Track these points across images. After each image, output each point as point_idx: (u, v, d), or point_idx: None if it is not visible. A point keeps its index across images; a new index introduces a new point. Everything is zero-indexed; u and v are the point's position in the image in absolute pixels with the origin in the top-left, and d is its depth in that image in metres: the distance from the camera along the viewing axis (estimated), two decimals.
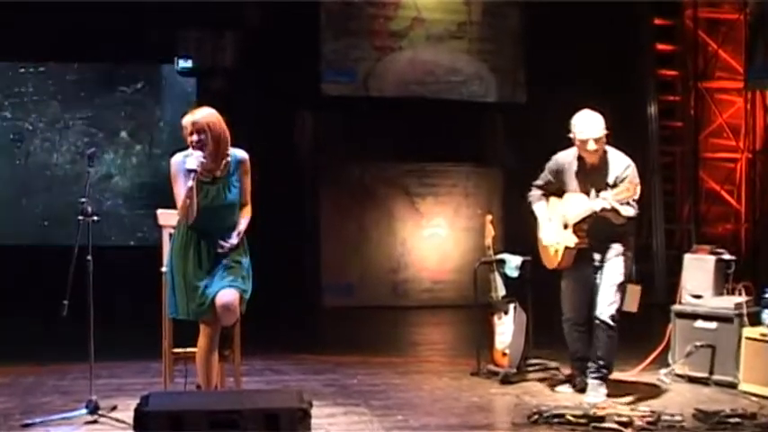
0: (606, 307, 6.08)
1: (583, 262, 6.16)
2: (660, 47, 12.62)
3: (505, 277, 7.04)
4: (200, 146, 5.08)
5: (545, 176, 6.36)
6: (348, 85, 12.28)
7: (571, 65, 11.63)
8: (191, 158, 5.04)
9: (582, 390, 6.22)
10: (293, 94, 11.80)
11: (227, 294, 5.06)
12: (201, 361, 5.17)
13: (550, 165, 6.34)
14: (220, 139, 5.15)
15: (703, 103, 12.55)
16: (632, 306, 6.56)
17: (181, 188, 5.07)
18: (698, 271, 6.92)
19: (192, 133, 5.12)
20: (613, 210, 5.89)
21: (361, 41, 12.29)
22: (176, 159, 5.16)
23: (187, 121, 5.16)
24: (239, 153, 5.24)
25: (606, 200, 5.89)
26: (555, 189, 6.31)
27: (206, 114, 5.18)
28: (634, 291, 6.56)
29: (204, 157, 5.07)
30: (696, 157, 12.52)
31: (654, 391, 6.43)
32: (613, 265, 6.12)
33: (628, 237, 6.18)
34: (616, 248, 6.13)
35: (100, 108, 12.57)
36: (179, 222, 5.23)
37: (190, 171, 5.01)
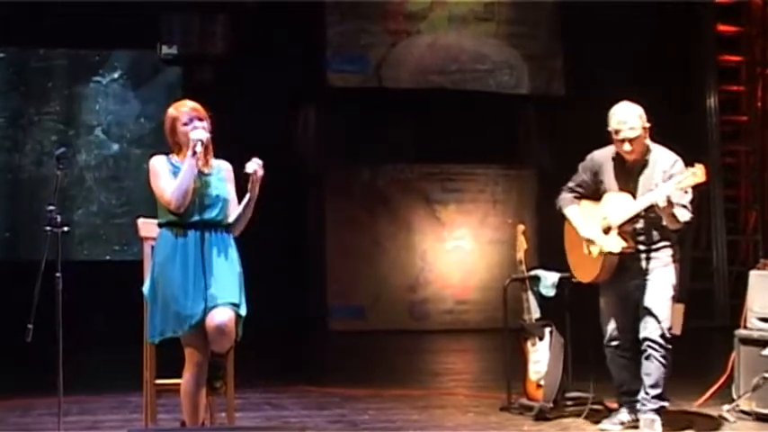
0: (657, 325, 6.06)
1: (624, 274, 6.15)
2: (722, 28, 12.61)
3: (540, 297, 7.03)
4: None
5: (579, 177, 6.37)
6: (358, 74, 12.31)
7: (616, 51, 11.65)
8: (198, 130, 5.13)
9: (633, 426, 6.21)
10: (293, 85, 11.84)
11: (220, 314, 5.07)
12: (187, 393, 5.18)
13: (586, 164, 6.35)
14: (210, 138, 5.26)
15: None
16: (675, 328, 6.54)
17: (167, 180, 5.12)
18: (767, 291, 6.89)
19: (191, 120, 5.18)
20: (671, 205, 5.83)
21: (372, 24, 12.33)
22: (158, 158, 5.24)
23: (185, 109, 5.22)
24: (223, 163, 5.39)
25: (668, 190, 5.82)
26: (590, 192, 6.31)
27: (200, 107, 5.29)
28: (677, 310, 6.54)
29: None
30: (763, 158, 12.50)
31: (715, 429, 6.41)
32: (661, 276, 6.10)
33: (674, 244, 6.17)
34: (663, 257, 6.12)
35: (70, 101, 12.62)
36: (160, 230, 5.26)
37: (197, 141, 5.09)
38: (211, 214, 5.23)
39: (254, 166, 5.21)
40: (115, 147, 12.78)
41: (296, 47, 11.81)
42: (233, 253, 5.27)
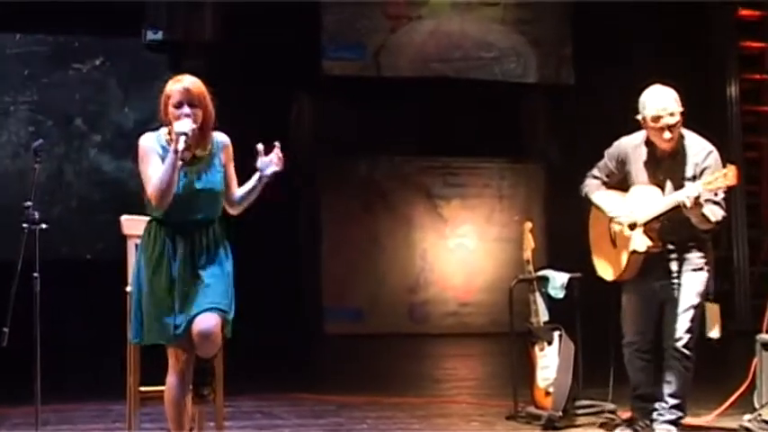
0: (682, 333, 6.04)
1: (650, 273, 6.11)
2: (743, 12, 12.61)
3: (549, 299, 7.03)
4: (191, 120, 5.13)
5: (605, 165, 6.31)
6: (355, 62, 12.32)
7: (629, 37, 11.65)
8: (182, 121, 5.07)
9: None
10: (287, 73, 11.85)
11: (205, 320, 5.06)
12: (172, 401, 5.16)
13: (612, 151, 6.28)
14: (209, 116, 5.19)
15: None
16: (715, 330, 6.53)
17: (155, 168, 5.08)
18: None
19: (180, 104, 5.13)
20: (699, 205, 5.81)
21: (370, 9, 12.34)
22: (147, 138, 5.16)
23: (178, 88, 5.16)
24: (221, 137, 5.28)
25: (695, 191, 5.79)
26: (615, 182, 6.27)
27: (198, 84, 5.21)
28: (713, 311, 6.52)
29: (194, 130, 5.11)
30: None
31: None
32: (690, 281, 6.06)
33: (707, 245, 6.14)
34: (693, 259, 6.08)
35: (49, 89, 12.62)
36: (148, 224, 5.24)
37: (180, 134, 5.03)
38: (201, 215, 5.18)
39: (274, 168, 5.17)
40: (96, 138, 12.77)
41: (289, 33, 11.80)
42: (223, 252, 5.23)
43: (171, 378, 5.14)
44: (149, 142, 5.15)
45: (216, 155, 5.23)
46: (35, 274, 5.53)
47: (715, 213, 5.91)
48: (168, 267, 5.11)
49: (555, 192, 12.23)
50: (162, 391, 5.31)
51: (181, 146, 5.01)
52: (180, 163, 5.06)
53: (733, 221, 12.22)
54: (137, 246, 5.41)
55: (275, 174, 5.23)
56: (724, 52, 12.52)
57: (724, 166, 5.91)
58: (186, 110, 5.11)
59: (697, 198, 5.76)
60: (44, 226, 5.57)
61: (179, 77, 5.24)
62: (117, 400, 6.19)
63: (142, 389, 5.57)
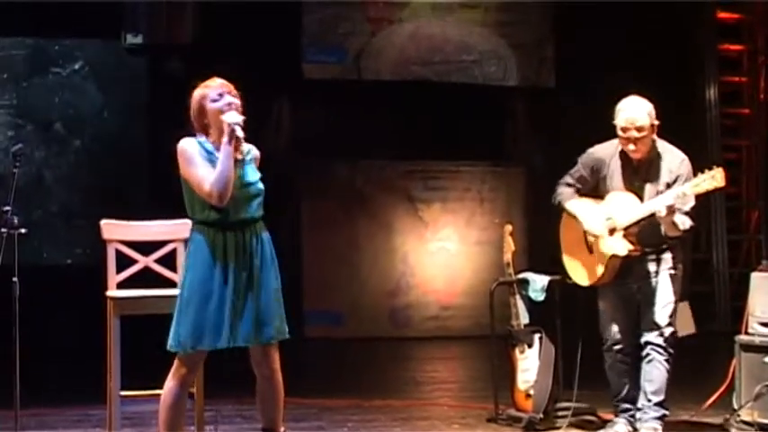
0: (663, 327, 6.12)
1: (628, 276, 6.20)
2: (722, 15, 12.66)
3: (529, 301, 7.06)
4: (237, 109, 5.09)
5: (578, 172, 6.36)
6: (335, 65, 12.32)
7: (611, 40, 11.68)
8: (230, 113, 5.02)
9: None
10: (267, 77, 11.83)
11: (275, 356, 5.13)
12: (169, 405, 5.08)
13: (585, 159, 6.34)
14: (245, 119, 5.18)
15: None
16: (688, 327, 6.59)
17: (206, 168, 5.01)
18: None
19: (221, 95, 5.09)
20: (672, 213, 5.87)
21: (351, 11, 12.34)
22: (189, 142, 5.09)
23: (213, 84, 5.13)
24: (251, 146, 5.28)
25: (680, 196, 5.85)
26: (588, 189, 6.33)
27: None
28: (683, 310, 6.59)
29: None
30: (767, 153, 12.54)
31: None
32: (667, 280, 6.16)
33: (679, 247, 6.22)
34: (669, 260, 6.18)
35: (27, 93, 12.57)
36: (196, 228, 5.12)
37: (234, 124, 5.00)
38: (251, 211, 5.15)
39: (236, 118, 5.05)
40: (77, 143, 12.73)
41: (269, 35, 11.80)
42: (269, 251, 5.20)
43: (173, 383, 5.07)
44: (192, 145, 5.08)
45: (249, 162, 5.23)
46: (14, 279, 5.53)
47: (684, 223, 6.02)
48: (223, 271, 5.05)
49: (536, 195, 12.25)
50: (143, 395, 5.32)
51: (239, 133, 4.98)
52: (233, 154, 4.98)
53: (713, 224, 12.27)
54: (185, 247, 5.28)
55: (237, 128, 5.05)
56: (703, 55, 12.56)
57: (695, 174, 5.99)
58: (228, 98, 5.09)
59: (671, 207, 5.84)
60: (23, 231, 5.57)
61: (207, 81, 5.19)
62: (97, 404, 6.19)
63: (122, 393, 5.57)
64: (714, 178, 5.82)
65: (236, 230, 5.09)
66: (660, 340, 6.13)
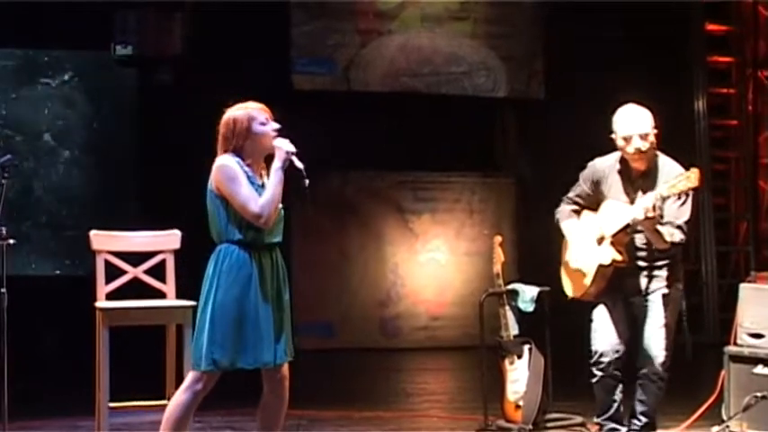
0: (659, 352, 6.01)
1: (620, 291, 6.10)
2: (711, 27, 12.69)
3: (519, 312, 7.07)
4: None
5: (580, 188, 6.29)
6: (325, 77, 12.32)
7: (600, 52, 11.70)
8: (285, 140, 5.19)
9: None
10: (256, 88, 11.77)
11: (287, 372, 5.32)
12: (180, 419, 5.07)
13: (586, 174, 6.27)
14: None
15: (764, 96, 12.61)
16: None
17: (249, 188, 5.05)
18: (757, 305, 6.93)
19: (268, 120, 5.23)
20: (652, 219, 5.78)
21: (341, 23, 12.35)
22: (231, 160, 5.11)
23: (257, 107, 5.28)
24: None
25: (657, 198, 5.78)
26: (592, 203, 6.24)
27: None
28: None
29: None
30: (755, 164, 12.57)
31: None
32: (661, 299, 6.06)
33: (677, 262, 6.15)
34: (664, 277, 6.07)
35: (17, 104, 12.56)
36: (230, 247, 5.12)
37: (291, 153, 5.14)
38: (279, 236, 5.25)
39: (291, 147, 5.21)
40: (66, 154, 12.72)
41: (258, 47, 11.80)
42: (284, 274, 5.31)
43: (185, 397, 5.05)
44: (235, 164, 5.09)
45: None
46: (2, 290, 5.52)
47: (673, 235, 5.91)
48: (261, 290, 5.08)
49: (525, 206, 12.28)
50: (132, 407, 5.31)
51: (298, 164, 5.10)
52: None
53: (701, 235, 12.28)
54: (216, 264, 5.20)
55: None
56: (692, 67, 12.59)
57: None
58: (273, 124, 5.15)
59: (647, 208, 5.72)
60: (12, 241, 5.56)
61: (246, 103, 5.29)
62: (86, 415, 6.18)
63: (111, 404, 5.56)
64: (689, 179, 5.73)
65: (269, 251, 5.18)
66: (657, 367, 6.04)
